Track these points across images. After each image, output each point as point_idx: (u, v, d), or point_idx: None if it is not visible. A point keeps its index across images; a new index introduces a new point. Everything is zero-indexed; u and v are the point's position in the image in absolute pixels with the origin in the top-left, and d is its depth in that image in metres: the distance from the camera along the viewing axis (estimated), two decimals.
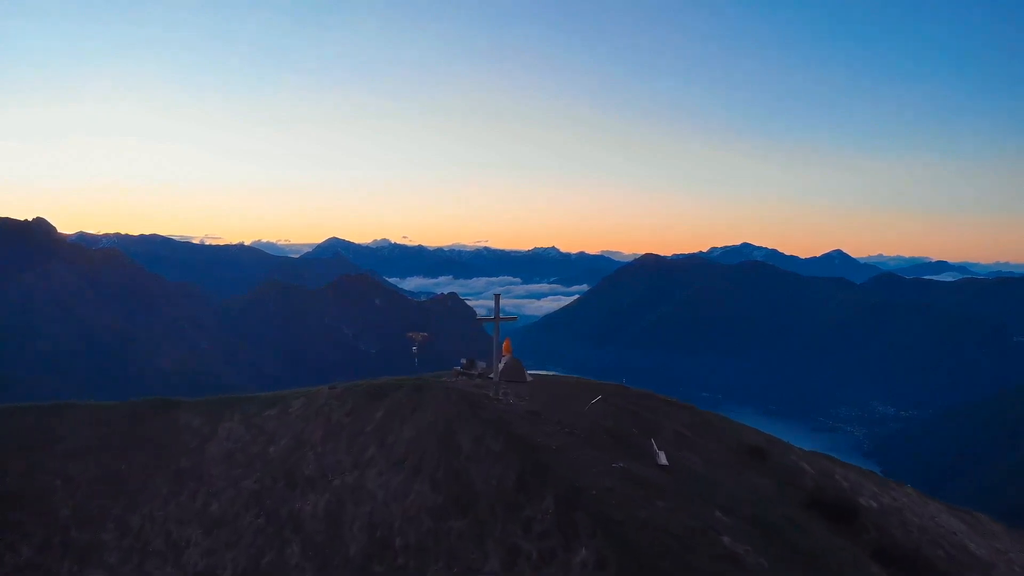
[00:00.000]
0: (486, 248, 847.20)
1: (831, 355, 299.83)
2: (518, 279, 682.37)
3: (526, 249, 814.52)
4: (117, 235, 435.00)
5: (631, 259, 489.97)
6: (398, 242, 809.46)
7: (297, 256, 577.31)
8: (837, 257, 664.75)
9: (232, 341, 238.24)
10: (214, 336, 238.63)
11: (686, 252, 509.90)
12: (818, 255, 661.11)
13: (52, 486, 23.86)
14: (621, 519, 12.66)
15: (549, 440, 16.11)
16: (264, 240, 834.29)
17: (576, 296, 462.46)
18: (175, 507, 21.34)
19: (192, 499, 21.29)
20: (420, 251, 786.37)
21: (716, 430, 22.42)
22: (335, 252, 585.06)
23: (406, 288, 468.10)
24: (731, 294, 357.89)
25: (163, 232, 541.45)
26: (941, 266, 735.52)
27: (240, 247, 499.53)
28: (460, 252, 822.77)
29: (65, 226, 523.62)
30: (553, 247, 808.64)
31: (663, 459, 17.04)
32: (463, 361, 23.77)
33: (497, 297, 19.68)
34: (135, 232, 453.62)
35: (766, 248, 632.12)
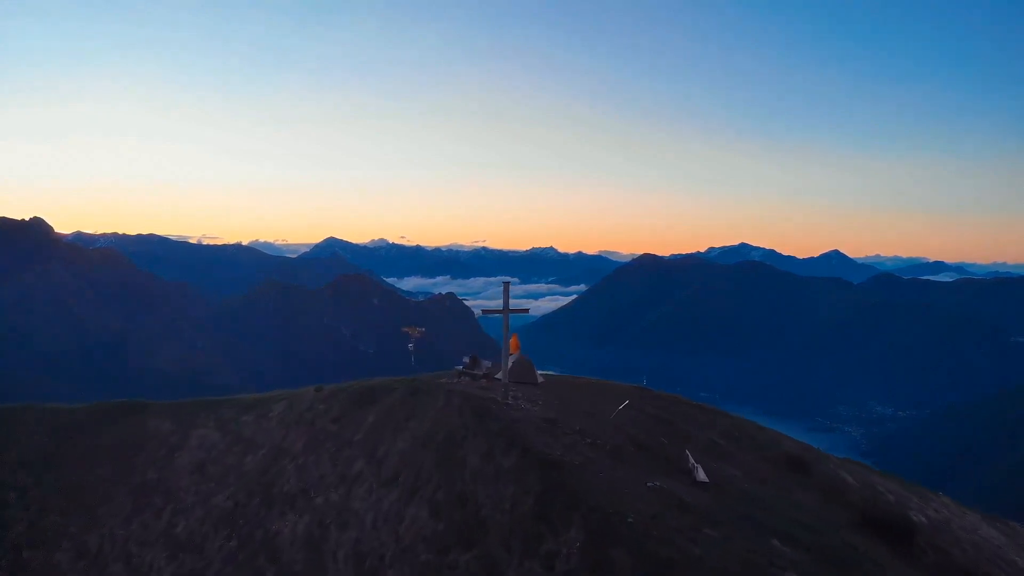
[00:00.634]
0: (484, 248, 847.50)
1: (829, 355, 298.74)
2: (516, 279, 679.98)
3: (524, 249, 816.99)
4: (115, 235, 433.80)
5: (629, 259, 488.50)
6: (396, 242, 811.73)
7: (295, 256, 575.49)
8: (835, 257, 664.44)
9: (230, 341, 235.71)
10: (212, 336, 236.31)
11: (684, 252, 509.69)
12: (816, 255, 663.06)
13: (4, 499, 21.38)
14: (668, 556, 10.15)
15: (571, 455, 13.41)
16: (262, 240, 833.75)
17: (574, 296, 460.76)
18: (138, 526, 18.79)
19: (157, 517, 18.74)
20: (418, 251, 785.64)
21: (750, 438, 19.97)
22: (333, 252, 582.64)
23: (404, 288, 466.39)
24: (729, 294, 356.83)
25: (161, 232, 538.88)
26: (939, 266, 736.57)
27: (238, 247, 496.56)
28: (458, 252, 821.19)
29: (63, 226, 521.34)
30: (551, 247, 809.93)
31: (702, 474, 14.59)
32: (466, 359, 20.78)
33: (506, 286, 17.01)
34: (133, 232, 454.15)
35: (764, 248, 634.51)
